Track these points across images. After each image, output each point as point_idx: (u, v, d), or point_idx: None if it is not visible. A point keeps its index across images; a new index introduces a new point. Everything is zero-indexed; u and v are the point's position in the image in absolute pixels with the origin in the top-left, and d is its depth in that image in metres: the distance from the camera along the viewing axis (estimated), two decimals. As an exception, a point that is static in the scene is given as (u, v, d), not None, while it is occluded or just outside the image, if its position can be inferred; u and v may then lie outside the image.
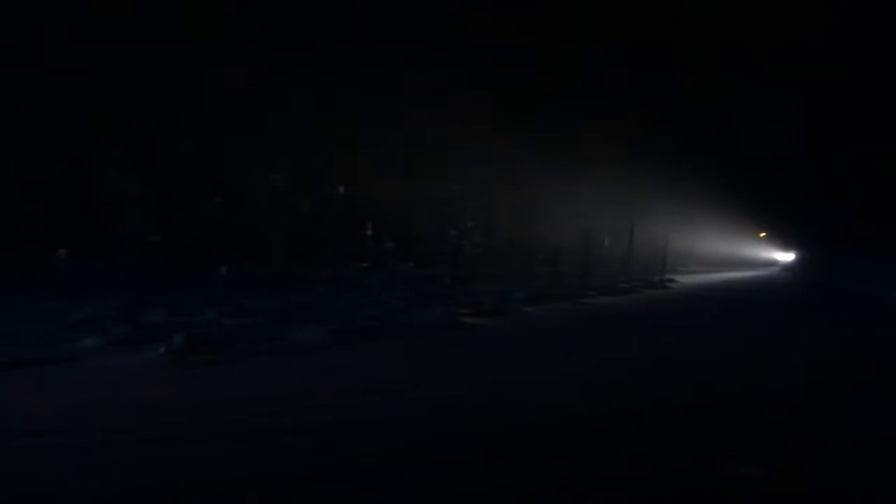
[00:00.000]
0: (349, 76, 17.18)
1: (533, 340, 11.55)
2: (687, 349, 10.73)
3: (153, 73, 13.88)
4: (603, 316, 15.24)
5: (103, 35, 13.66)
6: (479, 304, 14.43)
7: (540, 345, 11.12)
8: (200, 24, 15.85)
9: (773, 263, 42.88)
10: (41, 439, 5.38)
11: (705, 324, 14.58)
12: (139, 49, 14.50)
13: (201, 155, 13.68)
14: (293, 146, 15.15)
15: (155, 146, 13.51)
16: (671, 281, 25.70)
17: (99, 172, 13.01)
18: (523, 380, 8.16)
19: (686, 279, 28.36)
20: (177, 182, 13.22)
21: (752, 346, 11.40)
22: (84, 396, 6.88)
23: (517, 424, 6.10)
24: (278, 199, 14.65)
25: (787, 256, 41.98)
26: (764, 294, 22.46)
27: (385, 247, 15.99)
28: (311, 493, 4.40)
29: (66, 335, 9.88)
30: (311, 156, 15.37)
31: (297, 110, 15.96)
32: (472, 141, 17.83)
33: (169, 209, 12.76)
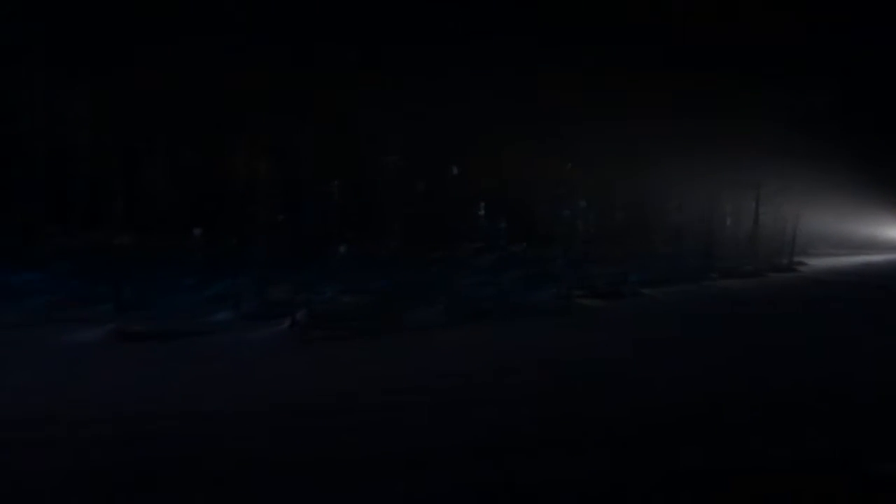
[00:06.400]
0: (463, 59, 17.20)
1: (652, 323, 11.15)
2: (818, 338, 9.95)
3: (279, 63, 14.57)
4: (725, 300, 14.45)
5: (236, 30, 14.49)
6: (594, 285, 14.09)
7: (660, 329, 10.72)
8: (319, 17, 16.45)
9: (920, 246, 38.94)
10: (198, 405, 5.80)
11: (839, 311, 13.42)
12: (265, 42, 15.25)
13: (323, 139, 14.23)
14: (409, 128, 15.41)
15: (280, 132, 14.22)
16: (800, 264, 23.99)
17: (230, 159, 13.87)
18: (646, 367, 7.90)
19: (817, 262, 26.36)
20: (300, 166, 13.84)
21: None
22: (222, 368, 7.37)
23: (644, 408, 5.91)
24: (395, 181, 14.99)
25: (936, 238, 37.98)
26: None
27: (498, 227, 15.94)
28: (443, 468, 4.45)
29: (203, 309, 10.61)
30: (427, 137, 15.58)
31: (413, 93, 16.20)
32: (590, 120, 17.37)
33: (293, 192, 13.39)
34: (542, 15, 19.75)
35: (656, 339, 9.62)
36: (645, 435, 5.14)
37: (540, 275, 14.93)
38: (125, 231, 11.71)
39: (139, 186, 13.95)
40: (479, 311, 11.25)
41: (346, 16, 16.83)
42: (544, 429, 5.27)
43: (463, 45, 18.09)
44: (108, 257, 10.38)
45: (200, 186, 13.98)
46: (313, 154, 13.85)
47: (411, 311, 10.84)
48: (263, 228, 12.16)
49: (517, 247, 17.58)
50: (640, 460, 4.59)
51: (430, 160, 15.90)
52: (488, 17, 18.51)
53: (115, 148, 13.93)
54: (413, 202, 16.13)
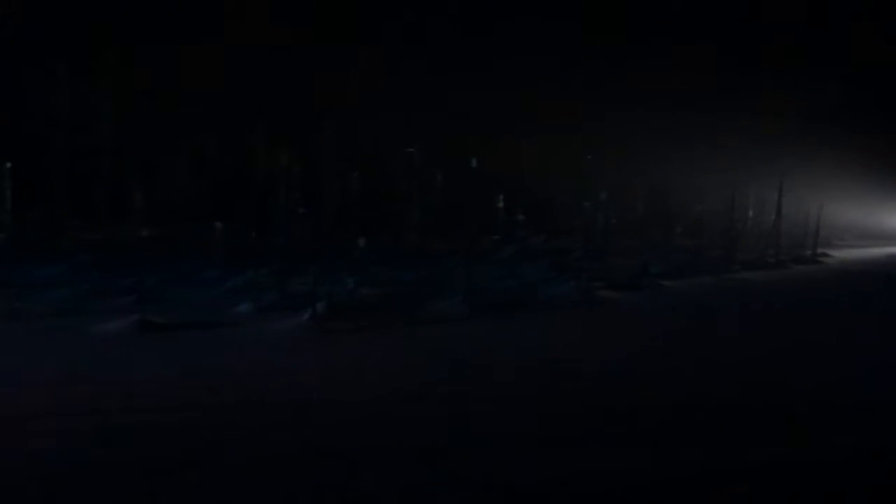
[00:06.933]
0: (482, 52, 17.18)
1: (671, 317, 11.04)
2: (840, 332, 9.77)
3: (297, 57, 14.66)
4: (747, 293, 14.27)
5: (255, 24, 14.60)
6: (614, 277, 13.98)
7: (678, 323, 10.59)
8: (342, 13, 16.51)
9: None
10: (221, 396, 5.86)
11: (860, 305, 13.12)
12: (284, 35, 15.36)
13: (342, 133, 14.28)
14: (428, 121, 15.44)
15: (300, 125, 14.31)
16: (825, 255, 23.59)
17: (251, 152, 13.99)
18: (667, 359, 7.82)
19: (842, 254, 25.91)
20: (320, 159, 13.90)
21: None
22: (243, 359, 7.43)
23: (668, 404, 5.85)
24: (414, 173, 15.04)
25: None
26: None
27: (517, 219, 15.87)
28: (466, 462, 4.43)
29: (224, 301, 10.68)
30: (446, 130, 15.59)
31: (432, 86, 16.21)
32: (611, 111, 17.25)
33: (313, 184, 13.47)
34: (563, 7, 19.62)
35: (674, 334, 9.53)
36: (653, 432, 5.08)
37: (559, 267, 14.84)
38: (147, 224, 11.86)
39: (160, 180, 14.10)
40: (498, 303, 11.21)
41: (365, 9, 16.86)
42: (546, 426, 5.21)
43: (483, 38, 18.04)
44: (131, 250, 10.50)
45: (221, 180, 14.12)
46: (333, 147, 13.90)
47: (430, 304, 10.83)
48: (283, 221, 12.22)
49: (537, 239, 17.51)
50: (644, 460, 4.52)
51: (449, 152, 15.87)
52: (507, 11, 18.44)
53: (137, 142, 14.08)
54: (432, 194, 16.16)
